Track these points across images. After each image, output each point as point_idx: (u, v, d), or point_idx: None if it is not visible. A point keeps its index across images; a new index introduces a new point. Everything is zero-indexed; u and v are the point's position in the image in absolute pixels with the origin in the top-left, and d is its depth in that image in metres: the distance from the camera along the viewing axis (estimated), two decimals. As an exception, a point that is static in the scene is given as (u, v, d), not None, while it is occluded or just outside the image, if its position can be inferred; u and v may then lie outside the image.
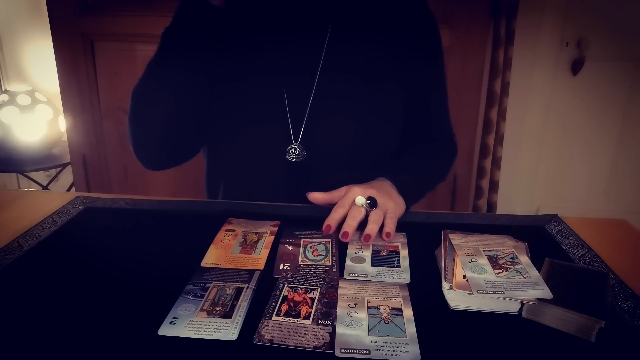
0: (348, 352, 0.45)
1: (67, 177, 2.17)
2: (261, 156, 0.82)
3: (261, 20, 0.82)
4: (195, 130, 0.82)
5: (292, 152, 0.80)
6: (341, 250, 0.65)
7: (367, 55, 0.81)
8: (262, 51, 0.81)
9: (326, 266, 0.61)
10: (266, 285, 0.56)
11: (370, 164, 0.80)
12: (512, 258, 0.59)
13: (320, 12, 0.81)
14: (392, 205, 0.69)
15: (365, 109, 0.80)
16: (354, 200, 0.68)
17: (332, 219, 0.67)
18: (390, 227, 0.66)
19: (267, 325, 0.49)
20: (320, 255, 0.64)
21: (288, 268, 0.60)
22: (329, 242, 0.67)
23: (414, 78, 0.84)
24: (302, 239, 0.67)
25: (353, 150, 0.81)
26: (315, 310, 0.51)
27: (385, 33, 0.81)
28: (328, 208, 0.69)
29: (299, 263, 0.62)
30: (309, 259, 0.63)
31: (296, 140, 0.80)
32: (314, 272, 0.60)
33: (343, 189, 0.71)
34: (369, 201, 0.67)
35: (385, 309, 0.52)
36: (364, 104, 0.80)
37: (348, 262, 0.62)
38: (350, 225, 0.65)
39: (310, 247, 0.66)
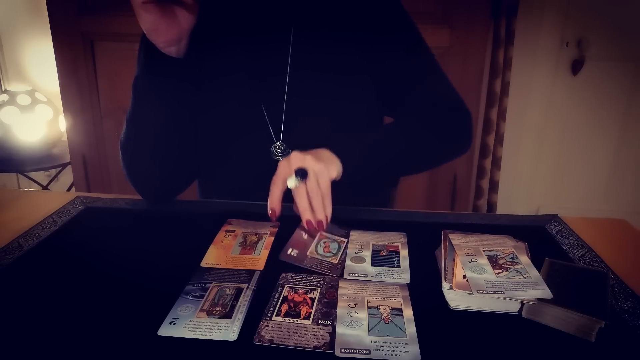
0: (348, 352, 0.45)
1: (67, 177, 2.17)
2: (248, 162, 0.83)
3: (223, 30, 0.82)
4: (188, 159, 0.83)
5: (276, 150, 0.81)
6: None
7: (332, 51, 0.81)
8: (229, 62, 0.81)
9: (331, 263, 0.61)
10: (266, 286, 0.56)
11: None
12: (512, 258, 0.59)
13: (281, 14, 0.81)
14: (320, 167, 0.66)
15: (338, 103, 0.81)
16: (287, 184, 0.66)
17: (275, 201, 0.65)
18: (319, 213, 0.64)
19: (267, 326, 0.49)
20: (330, 252, 0.64)
21: (295, 255, 0.61)
22: (344, 242, 0.67)
23: (391, 69, 0.82)
24: (321, 232, 0.67)
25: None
26: (315, 311, 0.51)
27: (347, 28, 0.81)
28: (334, 207, 0.67)
29: (307, 254, 0.62)
30: (317, 253, 0.63)
31: (278, 139, 0.81)
32: (317, 266, 0.60)
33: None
34: (298, 176, 0.65)
35: (385, 309, 0.52)
36: (336, 98, 0.81)
37: (348, 262, 0.62)
38: (305, 210, 0.63)
39: (324, 243, 0.66)
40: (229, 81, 0.81)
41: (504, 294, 0.52)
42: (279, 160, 0.80)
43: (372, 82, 0.83)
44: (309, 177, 0.65)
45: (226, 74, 0.82)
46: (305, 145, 0.80)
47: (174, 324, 0.49)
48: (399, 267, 0.60)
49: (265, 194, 0.81)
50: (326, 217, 0.64)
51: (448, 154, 0.87)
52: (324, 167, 0.66)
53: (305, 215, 0.64)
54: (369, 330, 0.48)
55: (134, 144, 0.77)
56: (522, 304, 0.52)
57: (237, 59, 0.82)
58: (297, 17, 0.82)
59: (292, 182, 0.65)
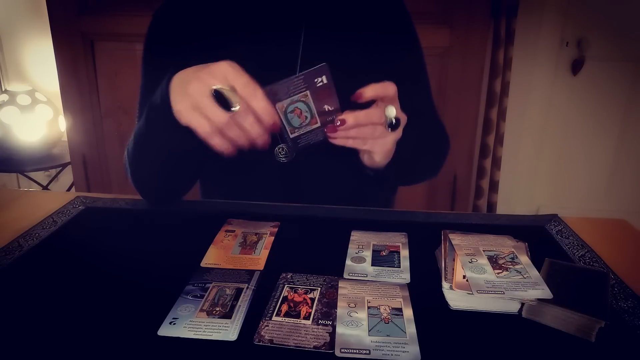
0: (348, 352, 0.45)
1: (67, 177, 2.17)
2: (251, 163, 0.81)
3: (233, 25, 0.81)
4: (195, 167, 0.81)
5: (279, 152, 0.80)
6: (341, 250, 0.65)
7: (343, 53, 0.80)
8: (237, 58, 0.80)
9: (316, 131, 0.59)
10: (266, 286, 0.56)
11: (356, 156, 0.81)
12: (512, 258, 0.59)
13: (293, 12, 0.80)
14: (396, 137, 0.67)
15: (345, 105, 0.80)
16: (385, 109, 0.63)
17: (370, 90, 0.63)
18: (363, 133, 0.62)
19: (267, 326, 0.49)
20: (306, 116, 0.60)
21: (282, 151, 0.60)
22: (306, 95, 0.60)
23: (393, 72, 0.83)
24: (277, 103, 0.60)
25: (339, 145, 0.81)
26: (315, 311, 0.51)
27: (359, 29, 0.81)
28: (329, 208, 0.67)
29: (290, 136, 0.60)
30: (296, 127, 0.60)
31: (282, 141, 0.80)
32: (305, 138, 0.59)
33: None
34: (395, 122, 0.63)
35: (385, 309, 0.52)
36: (343, 100, 0.80)
37: (348, 262, 0.62)
38: (356, 117, 0.61)
39: (292, 110, 0.60)
40: None
41: (504, 294, 0.52)
42: (282, 162, 0.80)
43: None
44: (397, 128, 0.64)
45: None
46: (309, 148, 0.80)
47: (174, 324, 0.49)
48: (399, 267, 0.60)
49: (267, 195, 0.81)
50: (351, 136, 0.62)
51: (428, 174, 0.89)
52: (393, 142, 0.66)
53: (353, 119, 0.61)
54: (369, 330, 0.48)
55: (141, 157, 0.75)
56: (522, 304, 0.52)
57: (244, 59, 0.81)
58: (309, 16, 0.80)
59: (391, 113, 0.63)
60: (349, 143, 0.64)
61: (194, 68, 0.61)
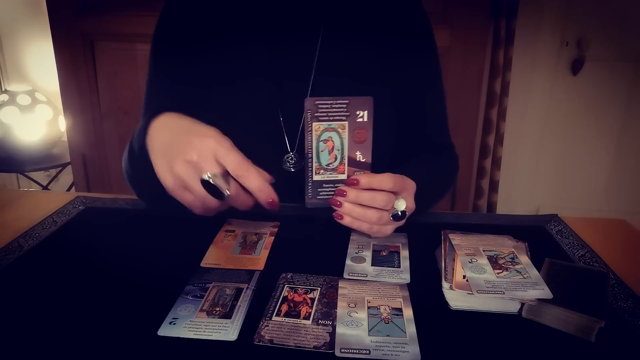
0: (348, 352, 0.45)
1: (67, 177, 2.17)
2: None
3: (250, 22, 0.79)
4: None
5: (289, 161, 0.79)
6: (341, 250, 0.65)
7: (360, 57, 0.79)
8: (249, 63, 0.78)
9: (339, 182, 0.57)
10: (266, 286, 0.56)
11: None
12: (512, 258, 0.59)
13: (313, 12, 0.78)
14: (393, 226, 0.66)
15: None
16: (395, 200, 0.61)
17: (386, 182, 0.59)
18: (361, 218, 0.60)
19: (267, 326, 0.49)
20: (336, 155, 0.57)
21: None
22: (343, 126, 0.57)
23: (409, 78, 0.82)
24: (314, 123, 0.56)
25: None
26: (315, 311, 0.51)
27: (378, 32, 0.79)
28: (329, 208, 0.67)
29: (314, 175, 0.57)
30: (322, 166, 0.57)
31: (292, 150, 0.79)
32: (328, 192, 0.56)
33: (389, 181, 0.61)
34: (401, 212, 0.62)
35: (385, 309, 0.52)
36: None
37: (348, 262, 0.62)
38: (357, 195, 0.58)
39: (325, 140, 0.57)
40: (246, 85, 0.78)
41: (504, 294, 0.52)
42: (290, 171, 0.79)
43: (391, 102, 0.82)
44: (401, 220, 0.63)
45: (244, 77, 0.78)
46: (322, 209, 0.77)
47: (174, 324, 0.49)
48: (399, 267, 0.60)
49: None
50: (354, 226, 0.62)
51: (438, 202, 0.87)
52: (393, 229, 0.65)
53: (355, 196, 0.59)
54: (369, 330, 0.48)
55: (133, 180, 0.74)
56: (522, 304, 0.52)
57: (257, 61, 0.78)
58: (329, 17, 0.78)
59: (400, 206, 0.61)
60: (355, 225, 0.61)
61: (177, 132, 0.59)
